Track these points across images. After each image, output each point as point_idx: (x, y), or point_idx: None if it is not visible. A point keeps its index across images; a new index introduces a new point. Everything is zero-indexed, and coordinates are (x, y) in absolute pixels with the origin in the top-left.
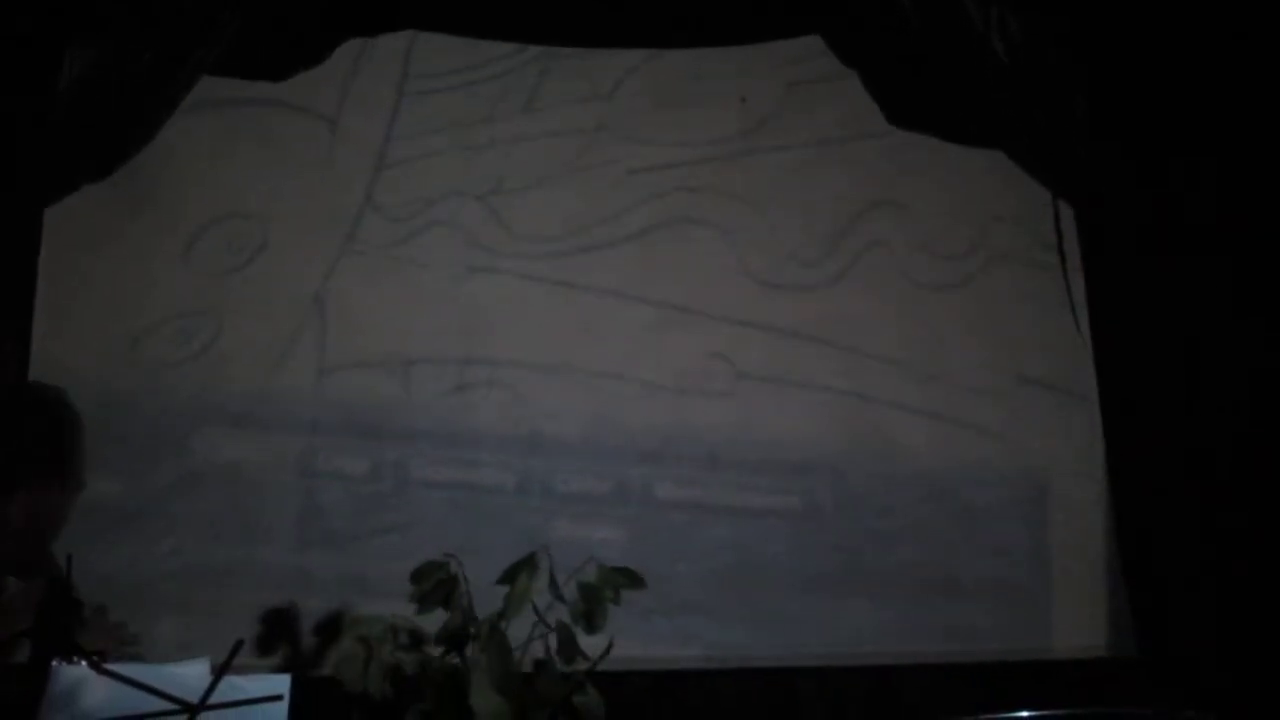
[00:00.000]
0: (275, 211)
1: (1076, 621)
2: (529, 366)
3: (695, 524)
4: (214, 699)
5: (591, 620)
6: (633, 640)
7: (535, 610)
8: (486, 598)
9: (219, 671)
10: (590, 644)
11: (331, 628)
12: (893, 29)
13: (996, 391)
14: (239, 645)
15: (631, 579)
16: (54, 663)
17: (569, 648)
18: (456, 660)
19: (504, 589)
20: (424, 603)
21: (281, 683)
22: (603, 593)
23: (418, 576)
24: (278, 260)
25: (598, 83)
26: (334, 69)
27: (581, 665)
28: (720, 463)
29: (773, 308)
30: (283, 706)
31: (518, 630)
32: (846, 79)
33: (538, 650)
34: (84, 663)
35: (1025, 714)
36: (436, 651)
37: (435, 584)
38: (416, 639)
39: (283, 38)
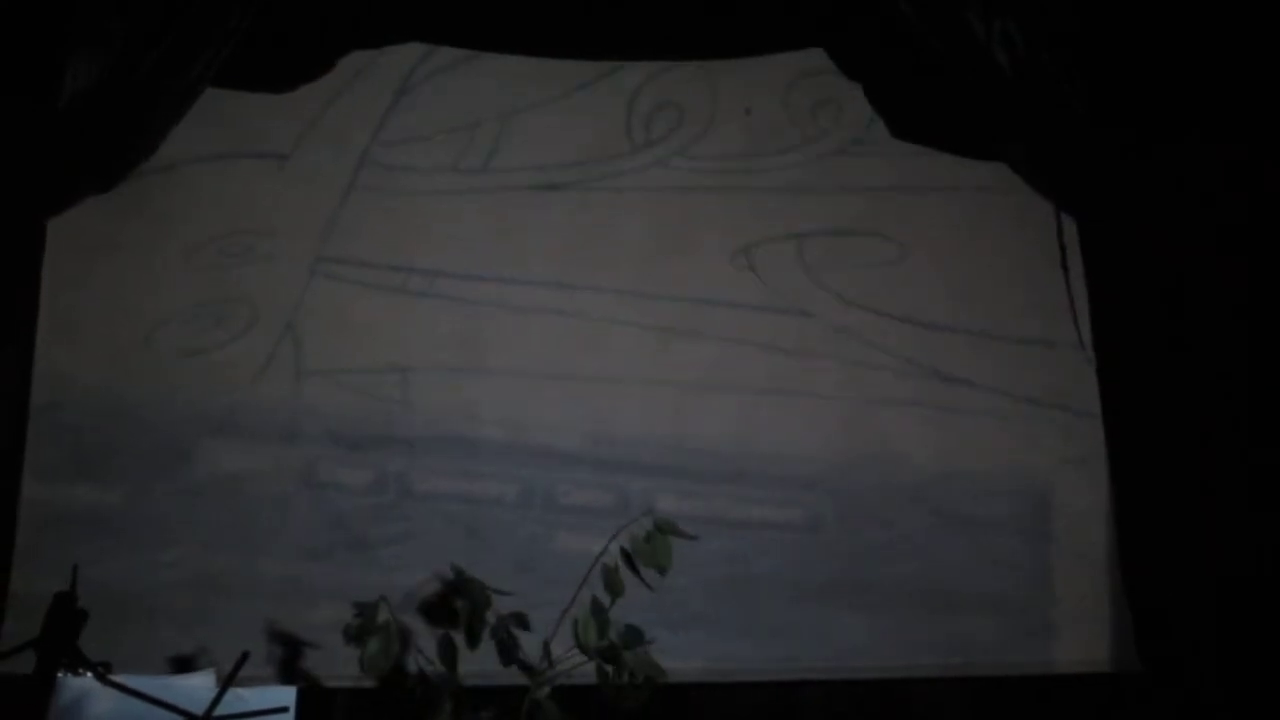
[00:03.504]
0: (277, 223)
1: (1078, 635)
2: (530, 378)
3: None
4: (219, 711)
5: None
6: None
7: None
8: None
9: (224, 684)
10: None
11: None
12: (896, 42)
13: (999, 404)
14: (244, 658)
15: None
16: (59, 674)
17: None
18: None
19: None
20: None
21: (286, 695)
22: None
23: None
24: (280, 272)
25: (602, 94)
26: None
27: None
28: (722, 475)
29: (775, 320)
30: (288, 718)
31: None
32: (850, 91)
33: None
34: (89, 674)
35: None
36: None
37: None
38: None
39: (286, 50)
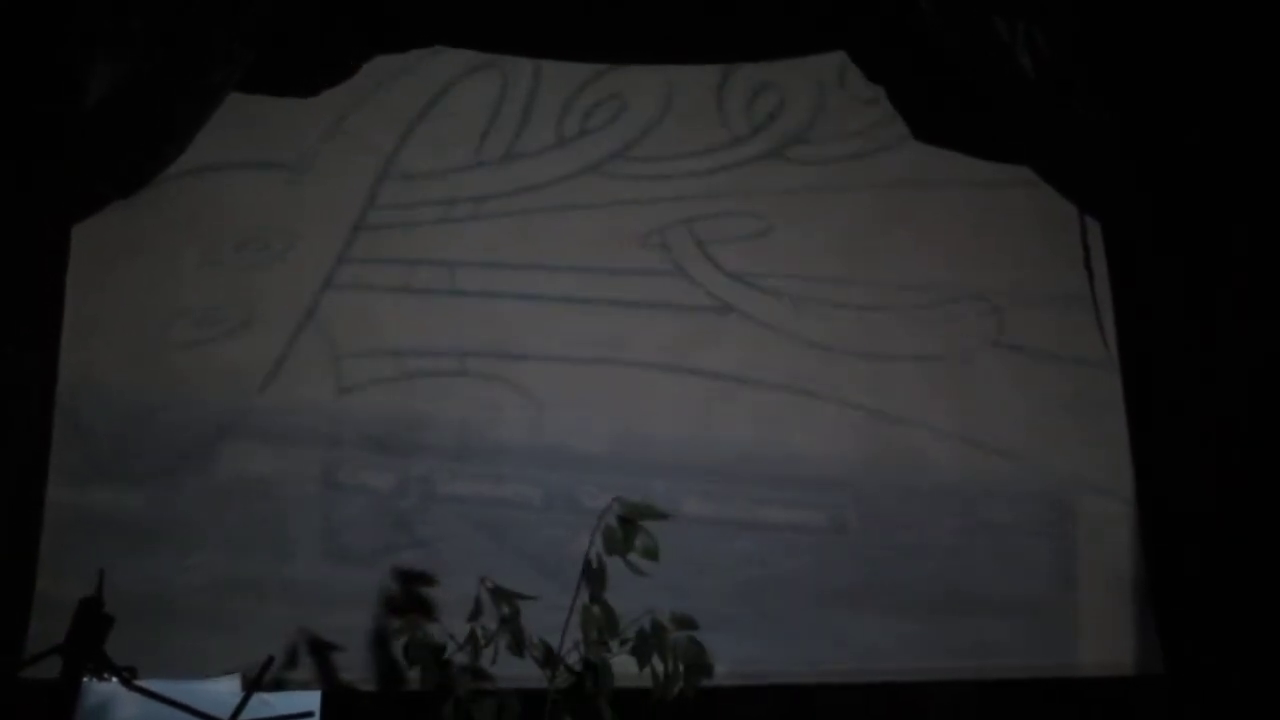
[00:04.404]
0: (297, 225)
1: (1101, 638)
2: (554, 381)
3: (720, 538)
4: (244, 716)
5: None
6: None
7: None
8: None
9: (250, 688)
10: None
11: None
12: (919, 44)
13: (1022, 407)
14: (269, 662)
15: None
16: (85, 679)
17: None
18: None
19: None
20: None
21: (311, 699)
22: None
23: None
24: (301, 274)
25: (622, 98)
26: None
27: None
28: (745, 477)
29: (798, 322)
30: None
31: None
32: (873, 94)
33: None
34: (115, 679)
35: None
36: None
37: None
38: None
39: (309, 54)
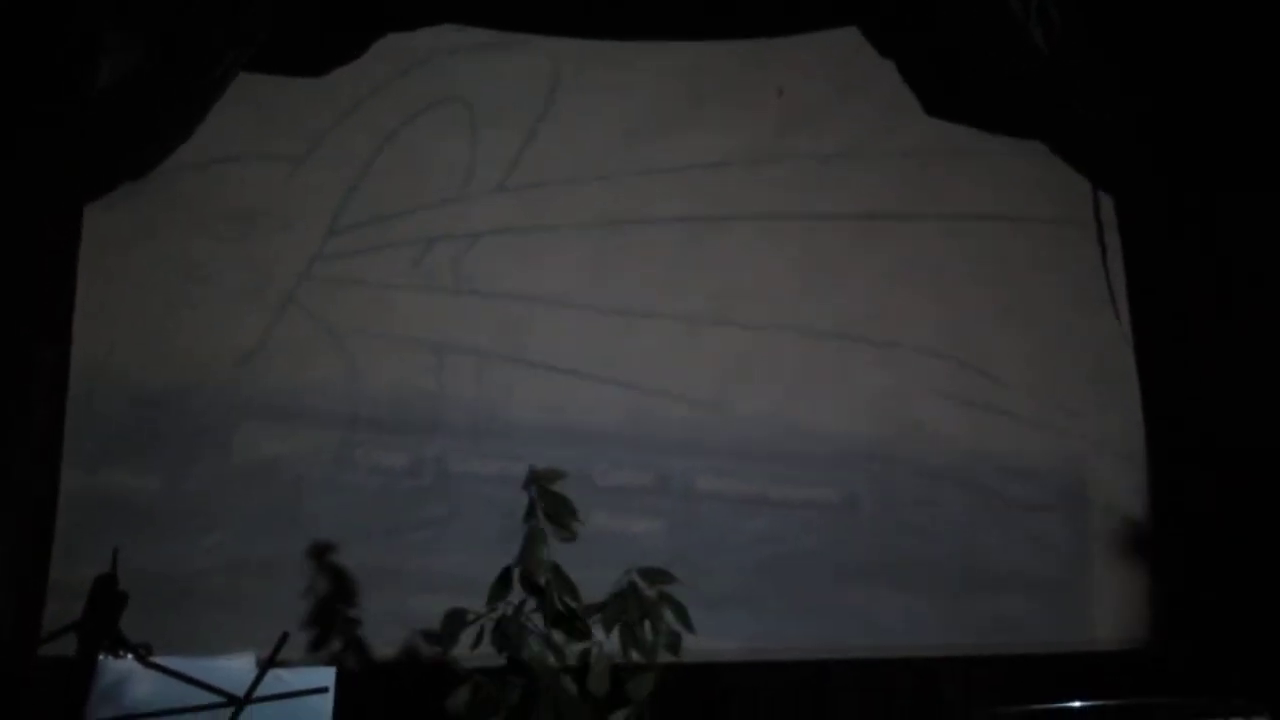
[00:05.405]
0: (308, 209)
1: (1115, 613)
2: (568, 361)
3: (734, 516)
4: (259, 692)
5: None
6: None
7: None
8: None
9: (264, 665)
10: None
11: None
12: (930, 19)
13: (1035, 385)
14: (284, 639)
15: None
16: (101, 656)
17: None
18: None
19: None
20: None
21: (326, 675)
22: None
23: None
24: (314, 256)
25: (635, 75)
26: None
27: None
28: (760, 455)
29: (811, 301)
30: (328, 699)
31: None
32: (884, 70)
33: None
34: (130, 656)
35: (1077, 704)
36: None
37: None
38: None
39: (319, 33)
